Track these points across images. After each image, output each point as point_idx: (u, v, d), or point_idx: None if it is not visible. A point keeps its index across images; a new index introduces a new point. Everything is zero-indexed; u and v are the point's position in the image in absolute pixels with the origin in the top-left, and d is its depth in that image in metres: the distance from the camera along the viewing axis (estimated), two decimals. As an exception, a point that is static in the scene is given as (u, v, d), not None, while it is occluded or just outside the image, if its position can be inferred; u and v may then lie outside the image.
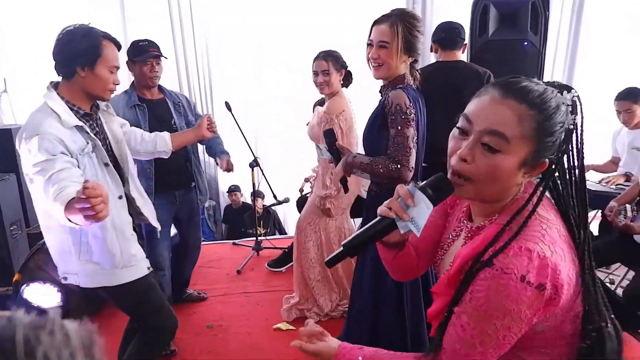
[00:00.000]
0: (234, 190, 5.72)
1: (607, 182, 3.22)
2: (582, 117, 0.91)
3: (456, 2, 4.21)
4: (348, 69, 2.89)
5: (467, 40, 2.82)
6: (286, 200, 4.22)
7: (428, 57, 4.60)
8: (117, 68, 1.79)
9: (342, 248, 0.98)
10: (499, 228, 0.90)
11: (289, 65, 5.00)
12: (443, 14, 4.55)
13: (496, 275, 0.86)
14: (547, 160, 0.91)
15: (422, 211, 0.94)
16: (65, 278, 1.81)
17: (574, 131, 0.91)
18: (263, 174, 3.81)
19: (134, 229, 1.94)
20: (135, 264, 1.85)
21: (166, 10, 4.85)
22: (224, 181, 5.85)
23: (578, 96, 0.90)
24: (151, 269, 1.93)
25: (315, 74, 2.83)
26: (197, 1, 4.92)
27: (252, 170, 3.89)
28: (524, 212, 0.90)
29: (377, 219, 0.98)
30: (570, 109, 0.90)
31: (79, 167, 1.67)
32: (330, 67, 2.78)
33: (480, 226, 1.00)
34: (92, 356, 0.39)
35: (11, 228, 3.28)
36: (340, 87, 2.88)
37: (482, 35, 2.80)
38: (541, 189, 0.92)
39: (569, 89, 0.91)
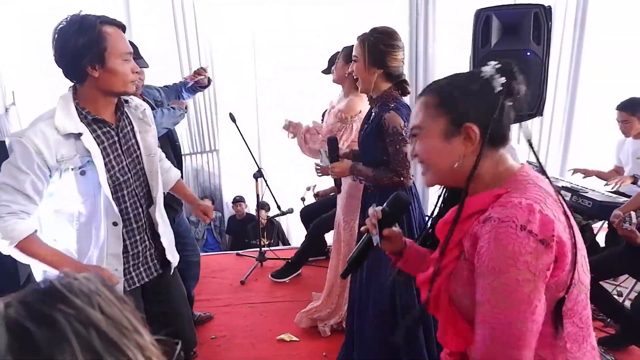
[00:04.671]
0: (238, 200, 5.73)
1: (616, 183, 3.11)
2: (516, 80, 0.99)
3: (458, 13, 4.24)
4: None
5: (469, 52, 2.83)
6: (290, 211, 4.21)
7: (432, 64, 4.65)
8: (131, 54, 1.53)
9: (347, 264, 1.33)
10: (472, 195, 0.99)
11: (294, 76, 5.04)
12: (445, 26, 4.58)
13: (495, 226, 0.87)
14: (472, 124, 0.97)
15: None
16: None
17: (510, 93, 0.98)
18: (267, 184, 3.82)
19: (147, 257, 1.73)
20: None
21: (171, 22, 4.91)
22: (228, 192, 5.87)
23: (502, 63, 1.00)
24: None
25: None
26: (202, 11, 4.97)
27: (257, 180, 3.90)
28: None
29: (365, 235, 1.28)
30: (500, 74, 0.97)
31: (50, 176, 1.49)
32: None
33: None
34: (110, 289, 0.57)
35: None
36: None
37: (484, 46, 2.80)
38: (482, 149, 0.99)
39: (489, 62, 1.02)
